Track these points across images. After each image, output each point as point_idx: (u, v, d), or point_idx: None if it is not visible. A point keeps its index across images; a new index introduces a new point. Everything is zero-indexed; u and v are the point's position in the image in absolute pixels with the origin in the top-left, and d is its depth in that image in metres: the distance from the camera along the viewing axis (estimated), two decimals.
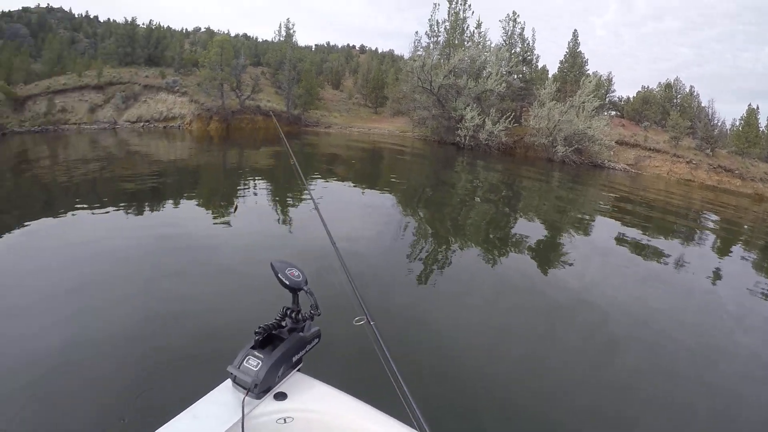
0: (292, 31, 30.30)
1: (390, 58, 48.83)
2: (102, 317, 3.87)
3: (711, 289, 6.43)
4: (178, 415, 1.15)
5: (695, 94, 37.50)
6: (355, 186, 10.48)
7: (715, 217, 14.59)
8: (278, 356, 1.27)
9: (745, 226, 13.83)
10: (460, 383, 3.33)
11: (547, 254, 6.98)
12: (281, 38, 32.07)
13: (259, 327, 1.32)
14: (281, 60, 30.23)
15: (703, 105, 36.14)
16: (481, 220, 8.68)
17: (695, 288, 6.38)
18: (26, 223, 6.44)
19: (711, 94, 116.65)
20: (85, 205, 7.51)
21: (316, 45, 65.43)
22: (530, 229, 8.53)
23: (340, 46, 69.96)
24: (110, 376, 3.13)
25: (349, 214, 7.70)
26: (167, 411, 1.19)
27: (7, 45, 30.61)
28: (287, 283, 1.36)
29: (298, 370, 1.40)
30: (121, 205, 7.62)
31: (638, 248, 8.15)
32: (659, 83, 39.74)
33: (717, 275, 7.15)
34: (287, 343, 1.32)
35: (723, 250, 9.59)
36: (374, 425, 1.22)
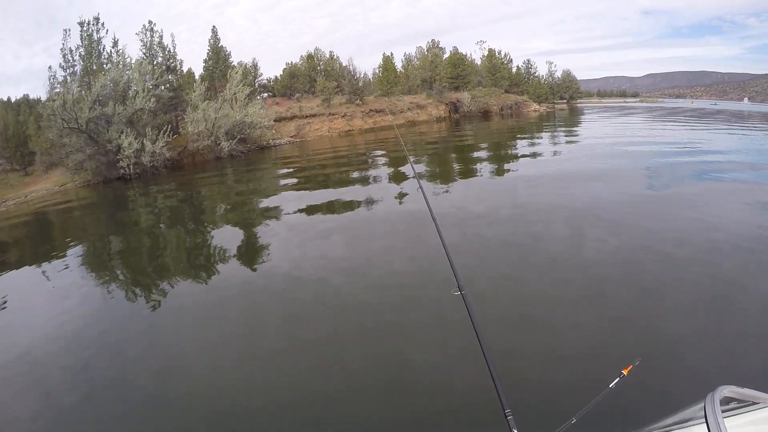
0: None
1: (26, 105, 40.49)
2: None
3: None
4: None
5: (335, 57, 44.48)
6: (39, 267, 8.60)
7: (382, 151, 18.91)
8: None
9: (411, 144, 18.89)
10: None
11: (249, 254, 7.34)
12: None
13: None
14: None
15: (344, 64, 43.41)
16: (176, 249, 8.39)
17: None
18: None
19: (351, 53, 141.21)
20: None
21: None
22: (226, 236, 8.68)
23: None
24: None
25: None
26: None
27: None
28: None
29: None
30: None
31: (322, 209, 9.53)
32: (301, 56, 45.26)
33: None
34: None
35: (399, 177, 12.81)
36: None
